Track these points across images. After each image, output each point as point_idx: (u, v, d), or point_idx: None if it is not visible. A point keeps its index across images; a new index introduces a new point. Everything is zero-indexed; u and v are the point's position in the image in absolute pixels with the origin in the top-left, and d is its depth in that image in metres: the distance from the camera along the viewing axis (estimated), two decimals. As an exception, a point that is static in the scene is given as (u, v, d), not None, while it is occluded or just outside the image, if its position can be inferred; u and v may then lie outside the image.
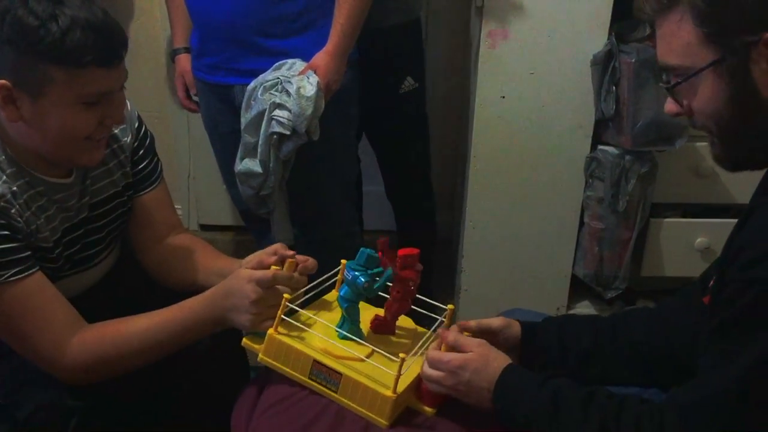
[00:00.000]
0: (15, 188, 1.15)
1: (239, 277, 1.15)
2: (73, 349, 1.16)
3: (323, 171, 1.77)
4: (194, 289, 1.32)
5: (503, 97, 2.05)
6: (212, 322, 1.18)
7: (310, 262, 1.22)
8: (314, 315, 1.19)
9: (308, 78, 1.63)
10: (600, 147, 2.09)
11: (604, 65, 1.96)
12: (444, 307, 1.21)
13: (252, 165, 1.70)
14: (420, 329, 1.24)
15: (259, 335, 1.16)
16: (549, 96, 2.05)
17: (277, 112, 1.63)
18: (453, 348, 1.08)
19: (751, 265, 0.84)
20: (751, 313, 0.84)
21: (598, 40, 1.98)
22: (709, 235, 2.17)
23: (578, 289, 2.32)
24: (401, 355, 1.05)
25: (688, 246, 2.20)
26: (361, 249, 1.13)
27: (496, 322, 1.17)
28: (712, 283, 0.97)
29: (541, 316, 1.27)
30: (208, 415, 1.34)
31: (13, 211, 1.14)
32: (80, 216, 1.28)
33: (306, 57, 1.69)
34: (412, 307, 1.20)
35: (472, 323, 1.15)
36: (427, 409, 1.11)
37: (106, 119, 1.17)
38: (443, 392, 1.07)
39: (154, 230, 1.41)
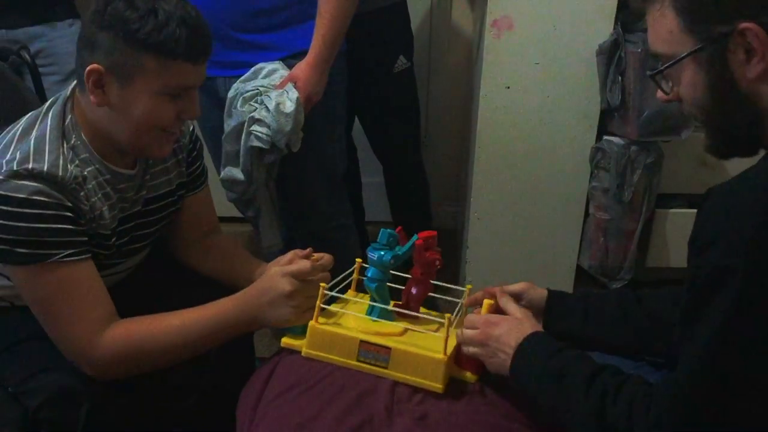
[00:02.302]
0: (86, 173, 1.20)
1: (272, 274, 1.19)
2: (103, 344, 1.17)
3: (310, 165, 1.77)
4: (233, 287, 1.34)
5: (508, 87, 2.04)
6: (244, 322, 1.21)
7: (326, 258, 1.26)
8: (341, 307, 1.24)
9: (288, 93, 1.62)
10: (605, 137, 2.08)
11: (610, 55, 1.95)
12: (461, 288, 1.28)
13: (235, 172, 1.71)
14: (439, 315, 1.25)
15: (294, 332, 1.20)
16: (554, 86, 2.04)
17: (255, 127, 1.63)
18: (499, 310, 1.13)
19: (701, 251, 0.87)
20: (704, 295, 0.86)
21: (603, 29, 1.97)
22: (715, 225, 2.16)
23: (583, 280, 2.32)
24: (447, 315, 1.10)
25: (693, 237, 2.19)
26: (382, 230, 1.20)
27: (518, 286, 1.23)
28: None
29: None
30: (214, 406, 1.35)
31: (81, 194, 1.18)
32: (134, 209, 1.31)
33: (288, 51, 1.69)
34: (432, 294, 1.26)
35: (497, 289, 1.20)
36: (469, 375, 1.14)
37: (183, 113, 1.22)
38: (474, 352, 1.10)
39: (197, 229, 1.46)
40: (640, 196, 2.10)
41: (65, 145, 1.19)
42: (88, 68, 1.15)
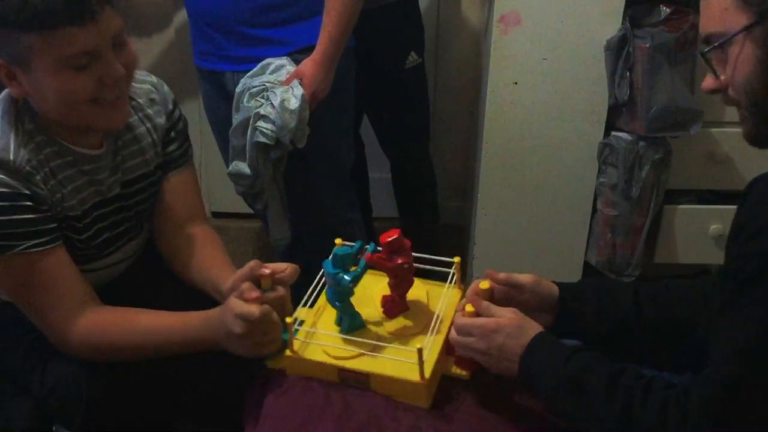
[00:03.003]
0: (42, 156, 1.16)
1: (228, 308, 1.13)
2: (78, 329, 1.18)
3: (316, 160, 1.77)
4: (191, 285, 1.34)
5: (516, 83, 2.04)
6: (206, 343, 1.18)
7: (289, 270, 1.19)
8: (316, 314, 1.22)
9: (293, 89, 1.62)
10: (613, 133, 2.07)
11: (618, 50, 1.94)
12: (450, 260, 1.23)
13: (242, 167, 1.71)
14: (431, 301, 1.24)
15: (271, 356, 1.18)
16: (562, 82, 2.03)
17: (260, 123, 1.63)
18: (485, 314, 1.07)
19: (750, 238, 0.84)
20: (750, 285, 0.84)
21: (611, 24, 1.95)
22: (724, 222, 2.15)
23: (590, 276, 2.30)
24: (418, 346, 1.06)
25: (702, 233, 2.18)
26: (334, 251, 1.13)
27: (525, 278, 1.15)
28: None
29: None
30: (221, 401, 1.35)
31: (37, 177, 1.15)
32: (112, 192, 1.29)
33: (296, 46, 1.69)
34: (421, 266, 1.21)
35: (502, 275, 1.15)
36: (462, 372, 1.12)
37: (105, 78, 1.13)
38: (473, 357, 1.07)
39: (173, 215, 1.39)
40: (648, 192, 2.09)
41: (20, 128, 1.15)
42: None
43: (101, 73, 1.12)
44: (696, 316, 1.10)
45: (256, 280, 1.16)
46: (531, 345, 1.02)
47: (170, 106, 1.37)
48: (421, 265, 1.22)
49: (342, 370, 1.12)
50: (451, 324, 1.12)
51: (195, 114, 2.68)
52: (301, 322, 1.19)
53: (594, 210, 2.19)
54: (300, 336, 1.17)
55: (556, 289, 1.16)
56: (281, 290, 1.17)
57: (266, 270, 1.16)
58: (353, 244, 1.17)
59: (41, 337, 1.23)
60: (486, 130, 2.10)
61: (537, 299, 1.14)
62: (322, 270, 1.19)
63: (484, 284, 1.11)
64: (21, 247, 1.13)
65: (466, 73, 2.61)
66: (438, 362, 1.12)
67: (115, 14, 1.12)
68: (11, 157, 1.12)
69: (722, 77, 0.94)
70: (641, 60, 1.92)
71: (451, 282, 1.22)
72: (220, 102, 1.83)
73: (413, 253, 1.19)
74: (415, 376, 1.08)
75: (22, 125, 1.16)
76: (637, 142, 2.03)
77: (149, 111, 1.32)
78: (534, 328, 1.05)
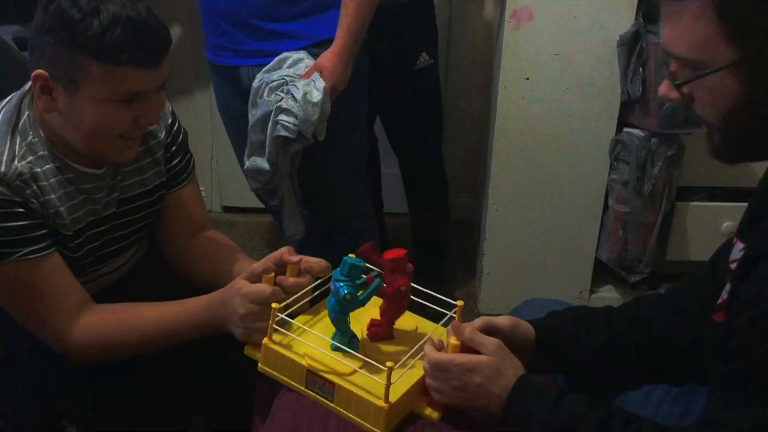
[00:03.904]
0: (39, 170, 1.15)
1: (233, 287, 1.13)
2: (78, 332, 1.17)
3: (331, 154, 1.77)
4: (216, 288, 1.31)
5: (527, 78, 2.03)
6: (210, 326, 1.17)
7: (321, 264, 1.17)
8: (314, 317, 1.18)
9: (314, 82, 1.62)
10: (626, 129, 2.06)
11: (631, 46, 1.93)
12: (453, 302, 1.15)
13: (260, 162, 1.70)
14: (421, 331, 1.18)
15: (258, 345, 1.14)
16: (574, 77, 2.02)
17: (282, 116, 1.63)
18: (468, 344, 1.03)
19: (762, 318, 0.82)
20: (763, 366, 0.82)
21: (625, 20, 1.94)
22: (736, 219, 2.10)
23: (602, 272, 2.30)
24: (388, 364, 1.00)
25: (714, 230, 2.17)
26: (345, 258, 1.06)
27: (504, 322, 1.08)
28: (721, 300, 0.93)
29: (560, 303, 1.23)
30: (229, 396, 1.35)
31: (28, 191, 1.14)
32: (108, 211, 1.27)
33: (311, 39, 1.69)
34: (420, 300, 1.16)
35: (477, 323, 1.07)
36: (433, 413, 1.06)
37: (140, 119, 1.15)
38: (446, 399, 1.02)
39: (183, 227, 1.39)
40: (660, 188, 2.08)
41: (19, 141, 1.14)
42: (33, 74, 1.10)
43: (140, 113, 1.14)
44: (671, 327, 1.09)
45: (284, 268, 1.16)
46: (515, 390, 0.98)
47: (169, 120, 1.36)
48: (421, 301, 1.16)
49: (310, 373, 1.07)
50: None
51: (207, 108, 2.69)
52: (291, 316, 1.14)
53: (606, 206, 2.18)
54: (284, 327, 1.12)
55: (532, 330, 1.11)
56: (304, 279, 1.16)
57: (294, 258, 1.16)
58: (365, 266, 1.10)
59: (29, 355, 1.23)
60: (497, 125, 2.10)
61: (514, 341, 1.09)
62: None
63: (454, 341, 1.04)
64: (17, 255, 1.12)
65: (478, 68, 2.61)
66: (408, 395, 1.06)
67: (167, 62, 1.14)
68: (2, 169, 1.11)
69: (687, 91, 0.89)
70: (654, 56, 1.91)
71: (446, 324, 1.13)
72: (235, 97, 1.82)
73: (418, 286, 1.14)
74: (378, 400, 1.02)
75: (25, 138, 1.15)
76: (650, 138, 2.02)
77: (153, 128, 1.30)
78: (514, 367, 1.01)
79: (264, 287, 1.11)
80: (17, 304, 1.18)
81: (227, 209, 2.93)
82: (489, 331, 1.06)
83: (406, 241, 2.43)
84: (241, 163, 1.94)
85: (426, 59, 2.10)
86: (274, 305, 1.08)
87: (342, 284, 1.06)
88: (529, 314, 1.16)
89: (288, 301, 1.12)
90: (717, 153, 0.91)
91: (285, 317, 1.11)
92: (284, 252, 1.17)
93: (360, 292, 1.07)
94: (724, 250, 1.02)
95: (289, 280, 1.14)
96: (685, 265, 2.26)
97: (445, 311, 1.15)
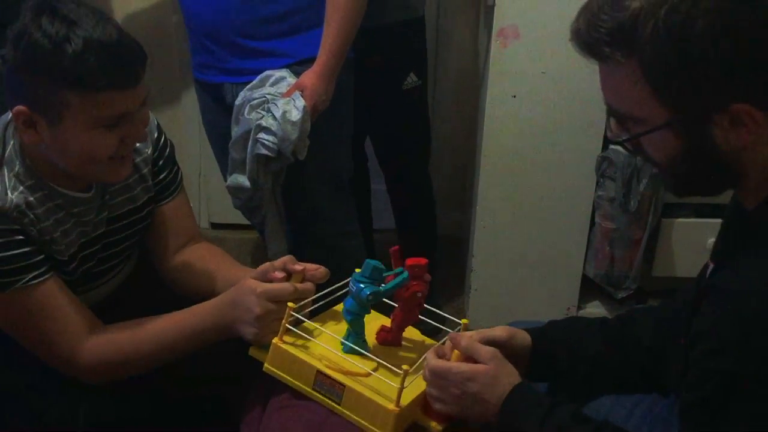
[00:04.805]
0: (32, 199, 1.14)
1: (244, 288, 1.13)
2: (87, 352, 1.17)
3: (314, 170, 1.77)
4: (210, 298, 1.32)
5: (514, 96, 2.05)
6: (219, 330, 1.17)
7: (321, 270, 1.19)
8: (321, 326, 1.18)
9: (294, 101, 1.62)
10: (611, 146, 2.08)
11: (616, 64, 1.95)
12: (457, 321, 1.17)
13: (241, 179, 1.71)
14: (428, 341, 1.22)
15: (265, 346, 1.14)
16: (560, 95, 2.04)
17: (262, 135, 1.63)
18: (465, 355, 1.05)
19: (712, 355, 0.83)
20: (714, 401, 0.84)
21: (610, 39, 1.97)
22: (722, 235, 2.15)
23: (589, 288, 2.31)
24: (404, 367, 1.02)
25: (699, 246, 2.18)
26: (367, 260, 1.10)
27: (500, 333, 1.11)
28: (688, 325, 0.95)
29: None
30: (216, 410, 1.35)
31: (26, 220, 1.13)
32: (97, 231, 1.27)
33: (295, 58, 1.70)
34: (422, 318, 1.17)
35: (474, 334, 1.09)
36: (434, 425, 1.07)
37: (126, 138, 1.15)
38: (445, 407, 1.04)
39: (173, 240, 1.39)
40: (646, 205, 2.10)
41: (6, 173, 1.13)
42: (14, 110, 1.08)
43: (125, 133, 1.14)
44: (660, 340, 1.11)
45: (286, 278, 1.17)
46: (509, 399, 1.00)
47: (155, 134, 1.35)
48: (425, 318, 1.18)
49: (320, 374, 1.08)
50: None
51: (194, 124, 2.68)
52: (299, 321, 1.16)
53: (592, 223, 2.19)
54: (302, 331, 1.13)
55: (529, 338, 1.13)
56: (310, 285, 1.17)
57: (299, 266, 1.17)
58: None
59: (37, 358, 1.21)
60: (485, 142, 2.11)
61: (512, 351, 1.11)
62: (348, 279, 1.17)
63: (455, 356, 1.07)
64: (22, 282, 1.12)
65: (465, 85, 2.62)
66: (416, 403, 1.07)
67: (145, 78, 1.13)
68: None
69: (630, 148, 0.93)
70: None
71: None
72: (220, 115, 1.83)
73: (425, 305, 1.17)
74: (389, 403, 1.03)
75: (12, 169, 1.14)
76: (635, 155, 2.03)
77: (139, 144, 1.29)
78: (510, 375, 1.02)
79: (285, 285, 1.12)
80: (24, 331, 1.17)
81: (215, 225, 2.92)
82: (487, 343, 1.07)
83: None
84: (226, 180, 1.95)
85: (414, 80, 2.10)
86: (289, 304, 1.09)
87: (363, 286, 1.08)
88: None
89: (301, 304, 1.14)
90: (670, 189, 0.96)
91: (300, 316, 1.12)
92: (288, 260, 1.18)
93: (382, 288, 1.10)
94: (705, 269, 1.04)
95: (298, 285, 1.15)
96: (672, 281, 2.28)
97: (448, 329, 1.16)
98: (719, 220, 1.01)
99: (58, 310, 1.16)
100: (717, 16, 0.79)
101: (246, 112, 1.66)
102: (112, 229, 1.30)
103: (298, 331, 1.13)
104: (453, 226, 2.77)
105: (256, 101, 1.65)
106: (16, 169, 1.15)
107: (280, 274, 1.16)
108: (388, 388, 1.05)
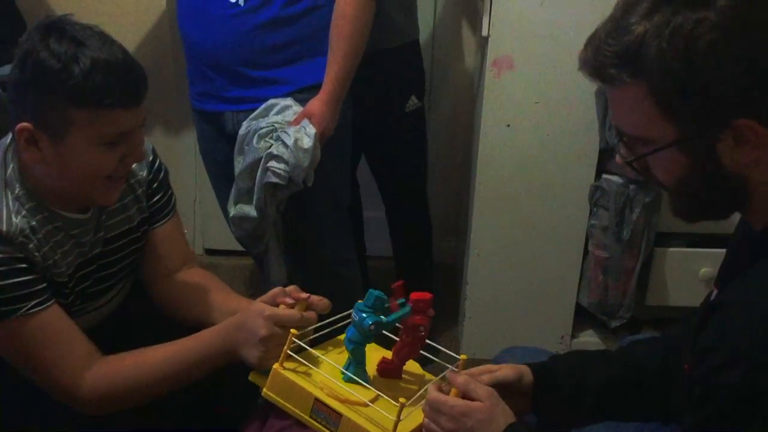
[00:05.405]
0: (34, 223, 1.15)
1: (252, 311, 1.14)
2: (89, 382, 1.16)
3: (316, 199, 1.78)
4: (201, 325, 1.31)
5: (508, 125, 2.06)
6: (224, 354, 1.17)
7: (324, 302, 1.20)
8: (322, 354, 1.18)
9: (305, 129, 1.63)
10: (604, 176, 2.10)
11: (609, 95, 1.98)
12: (456, 356, 1.18)
13: (247, 209, 1.71)
14: (428, 375, 1.22)
15: (265, 372, 1.14)
16: (554, 125, 2.06)
17: (272, 163, 1.64)
18: (462, 392, 1.05)
19: (718, 370, 0.83)
20: (722, 418, 0.84)
21: (602, 70, 1.99)
22: (714, 265, 2.15)
23: (583, 317, 2.31)
24: (401, 400, 1.02)
25: (692, 276, 2.19)
26: (370, 290, 1.10)
27: (508, 372, 1.12)
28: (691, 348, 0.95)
29: (541, 352, 1.25)
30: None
31: (31, 245, 1.14)
32: (94, 251, 1.28)
33: (296, 86, 1.71)
34: (422, 353, 1.18)
35: (485, 378, 1.10)
36: None
37: (126, 158, 1.17)
38: None
39: (166, 264, 1.40)
40: (639, 234, 2.11)
41: (9, 196, 1.14)
42: (18, 127, 1.10)
43: (126, 152, 1.15)
44: (668, 367, 1.11)
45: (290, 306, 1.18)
46: None
47: (150, 158, 1.37)
48: (424, 353, 1.19)
49: (318, 401, 1.08)
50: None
51: (190, 150, 2.69)
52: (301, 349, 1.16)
53: (586, 252, 2.20)
54: (303, 359, 1.13)
55: (530, 373, 1.14)
56: (313, 314, 1.17)
57: (304, 295, 1.18)
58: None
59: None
60: (479, 171, 2.12)
61: (518, 389, 1.12)
62: (350, 310, 1.17)
63: (454, 392, 1.06)
64: (23, 310, 1.12)
65: (460, 114, 2.65)
66: None
67: (146, 100, 1.16)
68: (4, 228, 1.11)
69: (636, 165, 0.94)
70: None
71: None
72: (219, 144, 1.83)
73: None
74: None
75: (12, 191, 1.15)
76: (628, 185, 2.05)
77: (134, 167, 1.30)
78: (506, 415, 1.02)
79: (293, 311, 1.14)
80: (24, 359, 1.16)
81: (210, 252, 2.92)
82: (495, 384, 1.08)
83: (389, 284, 2.43)
84: (223, 208, 1.94)
85: (415, 102, 2.14)
86: (292, 331, 1.10)
87: (365, 315, 1.09)
88: (510, 362, 1.17)
89: (304, 331, 1.14)
90: (676, 213, 0.96)
91: (302, 344, 1.13)
92: (293, 289, 1.19)
93: (384, 318, 1.10)
94: (708, 296, 1.04)
95: (303, 314, 1.16)
96: (665, 310, 2.28)
97: (442, 362, 1.17)
98: (712, 250, 1.04)
99: (59, 339, 1.15)
100: (720, 33, 0.81)
101: (255, 141, 1.66)
102: (109, 249, 1.30)
103: (299, 358, 1.13)
104: (447, 254, 2.78)
105: (263, 130, 1.65)
106: (16, 191, 1.16)
107: (289, 300, 1.17)
108: (385, 419, 1.05)
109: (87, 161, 1.12)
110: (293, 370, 1.12)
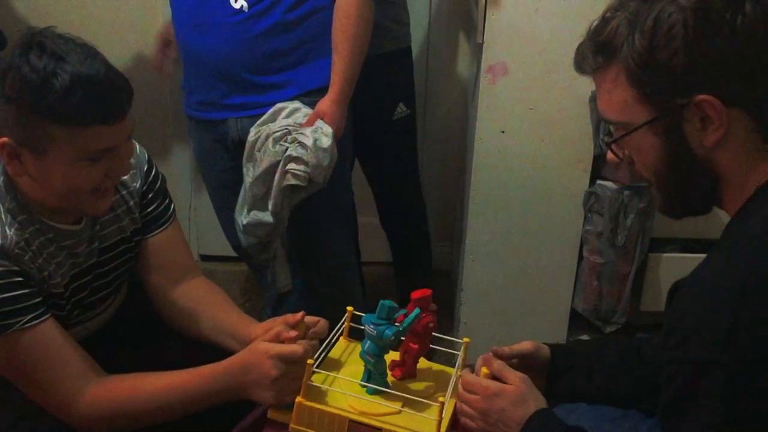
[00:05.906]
0: (27, 235, 1.14)
1: (258, 352, 1.12)
2: (86, 402, 1.14)
3: (324, 202, 1.77)
4: (201, 339, 1.31)
5: (503, 131, 2.07)
6: (227, 394, 1.15)
7: (321, 324, 1.20)
8: (334, 373, 1.17)
9: (321, 128, 1.63)
10: (599, 182, 2.10)
11: (603, 101, 1.99)
12: (459, 341, 1.22)
13: (261, 215, 1.68)
14: (436, 367, 1.23)
15: (284, 407, 1.13)
16: (548, 131, 2.06)
17: (292, 165, 1.62)
18: (496, 376, 1.09)
19: (677, 347, 0.87)
20: (685, 393, 0.86)
21: (596, 76, 2.00)
22: (708, 270, 2.17)
23: (577, 323, 2.32)
24: (440, 399, 1.04)
25: (686, 281, 2.20)
26: (381, 302, 1.10)
27: (527, 346, 1.19)
28: None
29: None
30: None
31: (26, 258, 1.13)
32: (89, 262, 1.27)
33: (300, 89, 1.71)
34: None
35: (506, 349, 1.17)
36: None
37: (111, 172, 1.16)
38: (472, 422, 1.07)
39: (166, 273, 1.38)
40: (633, 240, 2.11)
41: (1, 209, 1.13)
42: (0, 141, 1.09)
43: (110, 167, 1.14)
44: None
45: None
46: (530, 420, 1.03)
47: (146, 167, 1.35)
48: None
49: (352, 423, 1.07)
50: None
51: (185, 157, 2.70)
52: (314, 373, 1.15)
53: (580, 257, 2.21)
54: (317, 381, 1.12)
55: (548, 352, 1.21)
56: (315, 343, 1.18)
57: (298, 315, 1.18)
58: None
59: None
60: (474, 177, 2.13)
61: (535, 363, 1.19)
62: (343, 318, 1.18)
63: (485, 370, 1.12)
64: (20, 324, 1.11)
65: (454, 120, 2.65)
66: (450, 429, 1.10)
67: (132, 113, 1.14)
68: (0, 241, 1.10)
69: (626, 154, 1.00)
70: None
71: (456, 373, 1.19)
72: (219, 152, 1.81)
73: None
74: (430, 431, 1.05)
75: (3, 204, 1.14)
76: (622, 190, 2.06)
77: (125, 178, 1.30)
78: (537, 400, 1.06)
79: (296, 346, 1.12)
80: (21, 374, 1.16)
81: (205, 258, 2.91)
82: (516, 356, 1.16)
83: (385, 289, 2.43)
84: (220, 218, 1.93)
85: (403, 110, 2.14)
86: (309, 361, 1.08)
87: (384, 327, 1.09)
88: None
89: (316, 354, 1.14)
90: (662, 209, 1.03)
91: (318, 370, 1.12)
92: (289, 317, 1.19)
93: (401, 326, 1.12)
94: None
95: (308, 342, 1.16)
96: (660, 315, 2.27)
97: (451, 351, 1.23)
98: (705, 255, 1.03)
99: (55, 354, 1.14)
100: (683, 14, 0.87)
101: (270, 145, 1.64)
102: (103, 259, 1.30)
103: (318, 385, 1.11)
104: (442, 260, 2.78)
105: (277, 134, 1.64)
106: (7, 204, 1.15)
107: (293, 334, 1.16)
108: (423, 420, 1.07)
109: (70, 176, 1.11)
110: (315, 399, 1.11)
